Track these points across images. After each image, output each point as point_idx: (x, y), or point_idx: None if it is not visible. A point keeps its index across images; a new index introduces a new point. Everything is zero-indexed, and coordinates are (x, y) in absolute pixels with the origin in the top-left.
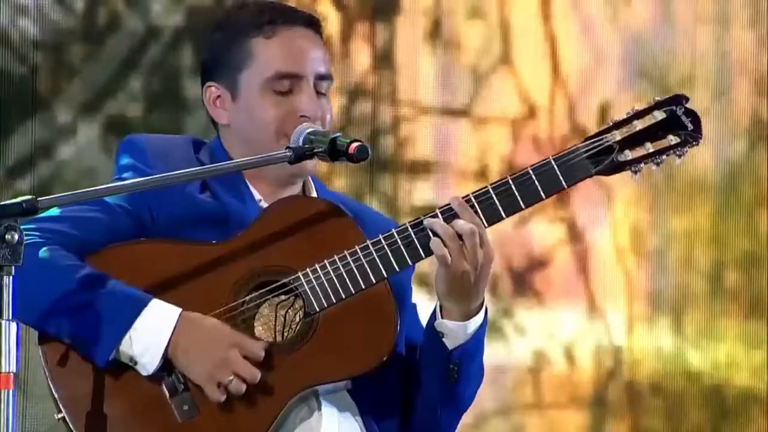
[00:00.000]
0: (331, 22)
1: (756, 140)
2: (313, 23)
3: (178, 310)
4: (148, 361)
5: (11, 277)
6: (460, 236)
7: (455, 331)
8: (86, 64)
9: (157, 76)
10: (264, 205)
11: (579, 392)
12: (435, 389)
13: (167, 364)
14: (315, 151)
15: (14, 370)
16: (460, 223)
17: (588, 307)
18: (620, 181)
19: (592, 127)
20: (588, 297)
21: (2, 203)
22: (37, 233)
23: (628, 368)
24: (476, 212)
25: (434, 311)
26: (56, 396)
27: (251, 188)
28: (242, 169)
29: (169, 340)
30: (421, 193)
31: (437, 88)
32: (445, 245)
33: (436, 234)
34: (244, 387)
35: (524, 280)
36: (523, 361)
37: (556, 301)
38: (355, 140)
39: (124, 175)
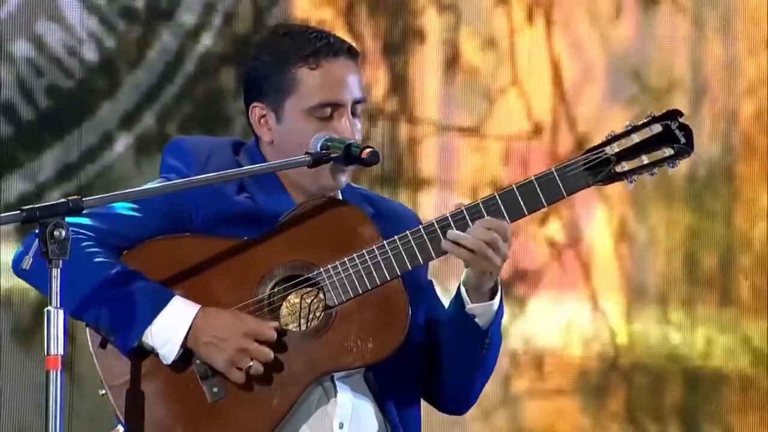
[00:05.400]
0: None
1: (730, 143)
2: (351, 51)
3: (197, 307)
4: (167, 353)
5: (59, 269)
6: (484, 242)
7: (485, 311)
8: (128, 79)
9: (193, 91)
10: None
11: (575, 375)
12: (470, 361)
13: (189, 353)
14: (331, 156)
15: (62, 353)
16: (483, 232)
17: (584, 297)
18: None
19: (591, 141)
20: (584, 287)
21: (51, 203)
22: (77, 230)
23: (619, 352)
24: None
25: (459, 295)
26: (100, 374)
27: (288, 193)
28: (266, 171)
29: (186, 335)
30: (437, 206)
31: (452, 108)
32: (474, 253)
33: (461, 245)
34: (262, 368)
35: (518, 275)
36: (518, 347)
37: (554, 291)
38: (368, 146)
39: (169, 175)
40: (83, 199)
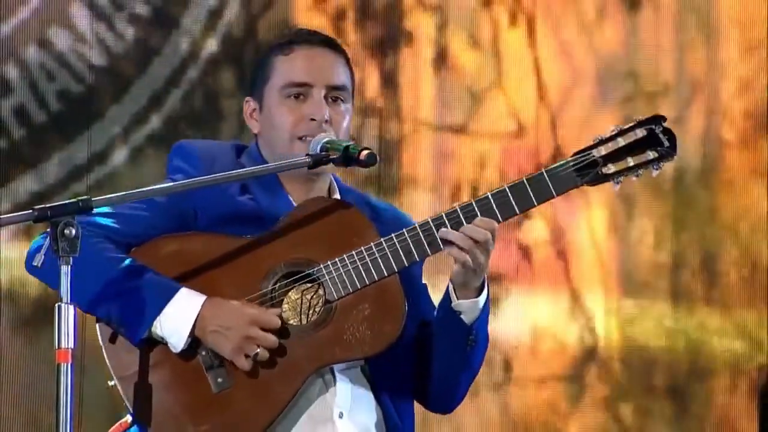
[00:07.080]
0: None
1: (710, 147)
2: (329, 43)
3: (203, 297)
4: (176, 342)
5: (69, 267)
6: (475, 240)
7: (471, 308)
8: (135, 84)
9: (196, 93)
10: (295, 204)
11: (565, 365)
12: (456, 358)
13: (197, 342)
14: (331, 157)
15: (72, 347)
16: (475, 231)
17: (568, 290)
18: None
19: (571, 140)
20: (574, 279)
21: (62, 202)
22: (87, 228)
23: (608, 344)
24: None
25: (447, 293)
26: (109, 366)
27: (285, 189)
28: (267, 173)
29: (194, 324)
30: (423, 200)
31: (438, 107)
32: (464, 251)
33: (452, 243)
34: (268, 355)
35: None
36: (511, 338)
37: (540, 286)
38: (365, 148)
39: (175, 176)
40: (92, 198)
